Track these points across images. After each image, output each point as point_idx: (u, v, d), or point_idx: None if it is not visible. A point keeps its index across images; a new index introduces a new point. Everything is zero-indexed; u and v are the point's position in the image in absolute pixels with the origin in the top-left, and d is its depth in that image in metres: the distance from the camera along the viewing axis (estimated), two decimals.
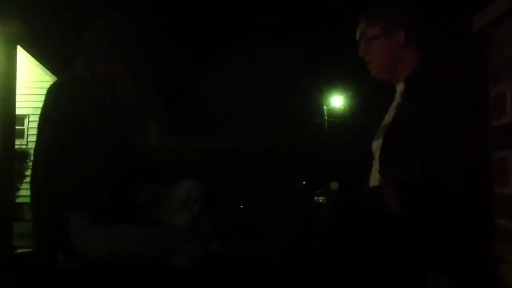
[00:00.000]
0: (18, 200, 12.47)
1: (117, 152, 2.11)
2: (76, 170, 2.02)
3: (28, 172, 13.27)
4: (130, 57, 2.22)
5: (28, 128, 15.01)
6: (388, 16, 2.09)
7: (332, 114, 28.91)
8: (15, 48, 1.49)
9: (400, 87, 2.09)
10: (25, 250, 2.23)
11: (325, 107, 28.82)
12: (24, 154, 13.05)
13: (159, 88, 2.42)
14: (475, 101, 1.81)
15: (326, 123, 28.47)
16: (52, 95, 2.16)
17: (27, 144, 14.27)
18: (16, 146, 12.81)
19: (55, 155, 2.08)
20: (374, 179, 2.09)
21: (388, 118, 2.12)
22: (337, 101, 29.38)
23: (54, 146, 2.09)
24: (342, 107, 29.29)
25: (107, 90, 2.15)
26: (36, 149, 2.23)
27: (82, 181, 2.03)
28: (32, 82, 14.93)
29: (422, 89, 1.92)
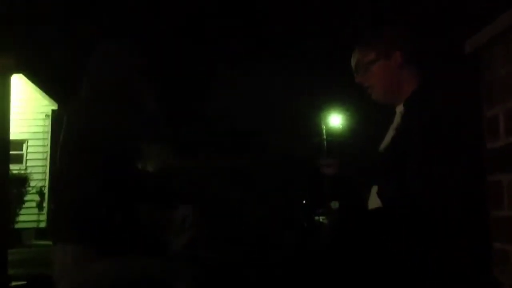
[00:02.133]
0: (17, 226, 12.50)
1: (122, 175, 2.12)
2: (86, 195, 2.03)
3: (27, 197, 13.28)
4: (133, 81, 2.25)
5: (27, 153, 15.01)
6: (383, 40, 2.10)
7: (331, 133, 28.90)
8: (9, 79, 1.49)
9: (399, 109, 2.09)
10: (21, 282, 2.21)
11: (323, 126, 28.83)
12: (22, 179, 13.04)
13: (161, 110, 2.43)
14: (472, 123, 1.81)
15: (325, 142, 28.44)
16: (66, 119, 2.18)
17: (26, 169, 14.27)
18: (15, 171, 12.90)
19: (68, 179, 2.09)
20: (373, 200, 2.09)
21: (387, 139, 2.12)
22: (335, 120, 29.42)
23: (63, 168, 2.10)
24: (341, 126, 29.30)
25: (114, 114, 2.17)
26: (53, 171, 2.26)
27: (88, 206, 2.03)
28: (30, 107, 14.98)
29: (422, 111, 1.92)
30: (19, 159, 14.56)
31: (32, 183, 13.44)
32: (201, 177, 2.48)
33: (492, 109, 1.45)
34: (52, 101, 15.45)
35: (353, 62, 2.18)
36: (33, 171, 14.06)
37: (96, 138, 2.09)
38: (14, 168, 12.88)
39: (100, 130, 2.11)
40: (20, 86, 14.29)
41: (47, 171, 14.55)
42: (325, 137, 28.55)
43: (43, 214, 14.11)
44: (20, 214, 12.91)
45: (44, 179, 14.38)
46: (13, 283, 2.24)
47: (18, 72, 12.65)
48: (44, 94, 15.51)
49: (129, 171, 2.17)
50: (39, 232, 13.44)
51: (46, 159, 14.81)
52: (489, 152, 1.46)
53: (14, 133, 14.17)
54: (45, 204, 14.10)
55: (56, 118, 14.80)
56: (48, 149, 14.85)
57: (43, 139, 15.12)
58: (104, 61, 2.27)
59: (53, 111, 15.29)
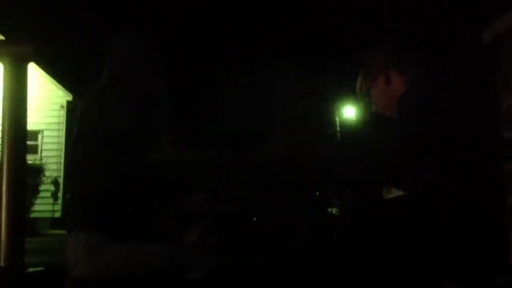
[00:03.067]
0: (32, 215, 12.63)
1: (136, 167, 2.13)
2: (100, 185, 2.04)
3: (42, 187, 13.40)
4: (150, 72, 2.25)
5: (42, 143, 15.14)
6: (368, 66, 2.26)
7: (345, 125, 28.78)
8: (26, 67, 1.49)
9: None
10: (38, 269, 2.23)
11: (337, 118, 28.71)
12: (38, 169, 13.15)
13: (172, 100, 2.44)
14: (485, 114, 1.80)
15: (338, 134, 28.34)
16: (81, 111, 2.20)
17: (41, 159, 14.38)
18: (30, 161, 13.02)
19: (82, 168, 2.12)
20: (387, 192, 2.10)
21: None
22: (349, 111, 29.28)
23: (81, 160, 2.11)
24: (355, 118, 29.16)
25: (129, 104, 2.18)
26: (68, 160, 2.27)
27: (102, 196, 2.05)
28: (45, 97, 15.07)
29: (414, 106, 1.98)
30: (34, 149, 14.68)
31: (47, 173, 13.54)
32: (215, 169, 2.48)
33: (509, 99, 1.44)
34: (67, 92, 15.55)
35: (358, 84, 2.35)
36: (48, 162, 14.15)
37: (112, 128, 2.10)
38: (29, 158, 13.00)
39: (116, 120, 2.12)
40: (36, 77, 14.39)
41: (62, 161, 14.65)
42: (338, 129, 28.45)
43: (58, 204, 14.23)
44: (35, 204, 13.04)
45: (59, 170, 14.48)
46: (30, 269, 2.26)
47: (35, 61, 12.74)
48: (59, 85, 15.61)
49: (143, 161, 2.18)
50: (54, 222, 13.57)
51: (61, 149, 14.92)
52: (506, 141, 1.45)
53: (29, 124, 14.23)
54: (60, 194, 14.21)
55: (71, 109, 14.87)
56: (63, 139, 14.96)
57: (58, 129, 15.23)
58: (126, 51, 2.28)
59: (68, 102, 15.39)
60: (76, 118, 2.23)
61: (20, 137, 1.49)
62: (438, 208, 1.81)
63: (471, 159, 1.78)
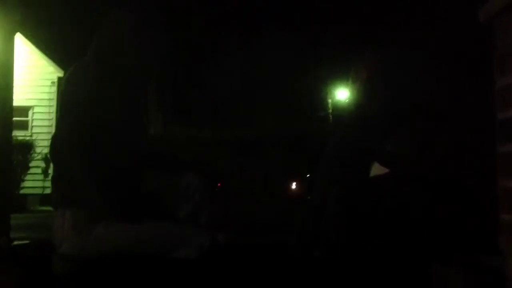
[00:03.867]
0: (22, 191, 12.58)
1: (126, 143, 2.09)
2: (88, 161, 2.00)
3: (32, 164, 13.34)
4: (141, 49, 2.21)
5: (32, 120, 15.05)
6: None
7: (337, 108, 28.74)
8: (13, 36, 1.46)
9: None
10: (23, 242, 2.21)
11: (329, 100, 28.67)
12: (28, 145, 13.09)
13: (165, 79, 2.41)
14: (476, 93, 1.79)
15: (330, 116, 28.32)
16: (65, 83, 2.15)
17: (31, 136, 14.30)
18: (20, 138, 12.91)
19: (66, 144, 2.06)
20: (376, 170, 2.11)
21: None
22: (342, 94, 29.24)
23: (65, 136, 2.07)
24: (347, 101, 29.07)
25: (117, 80, 2.14)
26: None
27: (92, 173, 2.01)
28: (36, 73, 14.96)
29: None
30: (24, 125, 14.60)
31: (37, 150, 13.48)
32: (206, 147, 2.47)
33: (504, 79, 1.42)
34: (58, 68, 15.41)
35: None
36: (38, 138, 14.07)
37: (98, 101, 2.05)
38: (19, 134, 12.91)
39: (104, 94, 2.07)
40: (26, 53, 14.25)
41: None
42: (330, 111, 28.43)
43: (49, 180, 14.15)
44: (26, 180, 12.98)
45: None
46: (16, 242, 2.25)
47: (24, 33, 12.56)
48: (50, 61, 15.49)
49: (130, 137, 2.15)
50: (44, 198, 13.52)
51: (52, 126, 14.80)
52: (500, 122, 1.43)
53: (20, 100, 14.18)
54: (50, 171, 14.14)
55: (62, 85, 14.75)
56: (53, 116, 14.84)
57: (49, 106, 15.13)
58: (116, 28, 2.23)
59: (59, 78, 15.24)
60: (61, 93, 2.19)
61: (6, 111, 1.45)
62: (426, 187, 1.81)
63: (462, 139, 1.77)
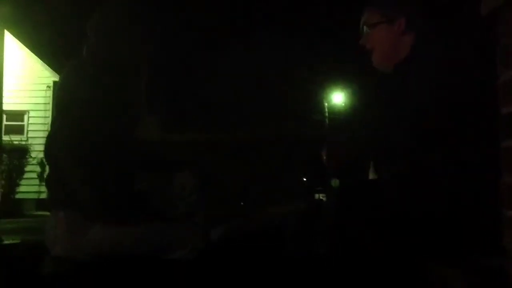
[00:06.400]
0: (17, 196, 12.54)
1: (118, 143, 2.07)
2: (81, 162, 1.98)
3: (28, 168, 13.30)
4: (134, 46, 2.18)
5: (28, 124, 15.03)
6: (389, 3, 2.09)
7: (333, 111, 28.80)
8: (2, 35, 1.42)
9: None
10: (14, 241, 2.18)
11: (325, 104, 28.72)
12: (23, 150, 13.06)
13: (160, 81, 2.38)
14: (479, 89, 1.77)
15: (326, 120, 28.36)
16: (60, 83, 2.12)
17: (27, 140, 14.29)
18: (16, 142, 12.87)
19: (60, 144, 2.04)
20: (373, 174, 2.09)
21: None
22: (338, 97, 29.29)
23: (59, 136, 2.05)
24: (343, 104, 29.18)
25: (110, 79, 2.11)
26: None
27: (86, 174, 1.98)
28: (32, 78, 14.99)
29: (413, 77, 1.92)
30: (20, 130, 14.59)
31: (33, 154, 13.46)
32: (198, 149, 2.45)
33: (508, 72, 1.39)
34: (53, 72, 15.43)
35: (361, 23, 2.15)
36: (34, 142, 14.05)
37: (91, 101, 2.02)
38: (15, 139, 12.90)
39: (95, 94, 2.04)
40: (22, 57, 14.26)
41: None
42: (327, 114, 28.48)
43: (44, 185, 14.15)
44: (21, 185, 12.94)
45: None
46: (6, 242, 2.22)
47: (16, 33, 12.52)
48: (45, 65, 15.52)
49: (124, 138, 2.12)
50: (40, 203, 13.47)
51: (47, 130, 14.80)
52: (503, 117, 1.40)
53: (15, 104, 14.22)
54: (46, 175, 14.11)
55: None
56: (49, 120, 14.84)
57: (45, 110, 15.15)
58: (106, 22, 2.19)
59: (54, 82, 15.25)
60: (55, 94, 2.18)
61: None
62: (427, 186, 1.79)
63: (465, 136, 1.75)
